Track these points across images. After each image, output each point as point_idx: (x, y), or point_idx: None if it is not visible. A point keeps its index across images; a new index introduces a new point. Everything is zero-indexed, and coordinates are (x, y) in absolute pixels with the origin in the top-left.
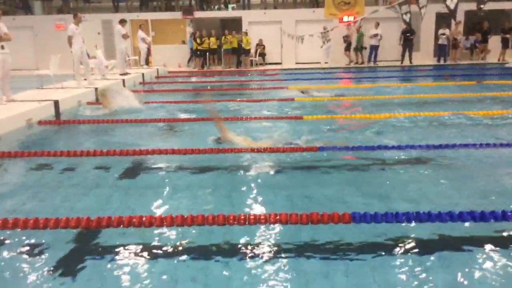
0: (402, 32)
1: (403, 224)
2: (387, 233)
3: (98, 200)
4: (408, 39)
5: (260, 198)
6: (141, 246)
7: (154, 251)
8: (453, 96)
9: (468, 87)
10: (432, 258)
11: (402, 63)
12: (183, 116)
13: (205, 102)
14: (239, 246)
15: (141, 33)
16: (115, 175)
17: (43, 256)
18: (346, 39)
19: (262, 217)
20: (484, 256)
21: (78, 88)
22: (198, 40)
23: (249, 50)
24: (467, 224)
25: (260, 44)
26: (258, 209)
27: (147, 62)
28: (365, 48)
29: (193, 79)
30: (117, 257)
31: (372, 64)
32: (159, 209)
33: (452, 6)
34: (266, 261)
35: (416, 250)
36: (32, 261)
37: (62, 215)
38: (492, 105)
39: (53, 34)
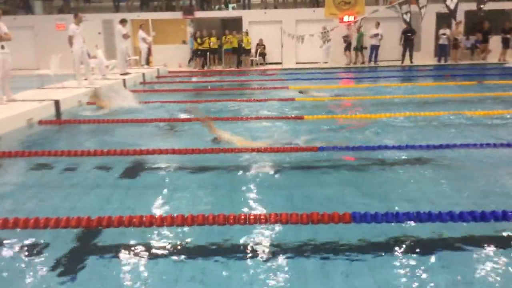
0: (403, 32)
1: (404, 224)
2: (388, 233)
3: (99, 199)
4: (409, 39)
5: (260, 198)
6: (141, 246)
7: (155, 251)
8: (453, 96)
9: (469, 87)
10: (432, 258)
11: (402, 63)
12: (183, 116)
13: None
14: (239, 246)
15: (141, 33)
16: (115, 175)
17: (43, 256)
18: (346, 39)
19: (262, 217)
20: (485, 256)
21: (79, 88)
22: (198, 40)
23: (249, 50)
24: (467, 224)
25: (260, 44)
26: (258, 209)
27: (148, 62)
28: (365, 48)
29: (194, 79)
30: (117, 257)
31: (372, 64)
32: (159, 209)
33: (452, 6)
34: (266, 261)
35: (417, 250)
36: (33, 261)
37: (62, 215)
38: (493, 105)
39: (53, 34)
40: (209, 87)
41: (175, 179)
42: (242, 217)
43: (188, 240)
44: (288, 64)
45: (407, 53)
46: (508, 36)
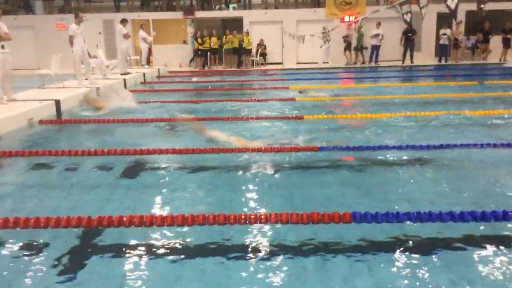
0: (403, 32)
1: (404, 224)
2: (388, 233)
3: (99, 199)
4: (409, 39)
5: (260, 198)
6: (142, 246)
7: (155, 250)
8: (454, 96)
9: (469, 87)
10: (432, 258)
11: (403, 63)
12: (184, 115)
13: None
14: (240, 245)
15: (142, 33)
16: (116, 174)
17: (44, 256)
18: (346, 39)
19: (262, 216)
20: (485, 256)
21: (79, 87)
22: (199, 40)
23: (250, 50)
24: (468, 224)
25: (261, 44)
26: (258, 209)
27: (148, 62)
28: (366, 48)
29: (194, 79)
30: (118, 256)
31: (373, 64)
32: (160, 209)
33: (452, 6)
34: (266, 261)
35: (417, 250)
36: (33, 261)
37: (63, 215)
38: (493, 105)
39: (54, 33)
40: (209, 87)
41: (176, 179)
42: (243, 217)
43: (189, 240)
44: (288, 64)
45: (408, 53)
46: (509, 36)
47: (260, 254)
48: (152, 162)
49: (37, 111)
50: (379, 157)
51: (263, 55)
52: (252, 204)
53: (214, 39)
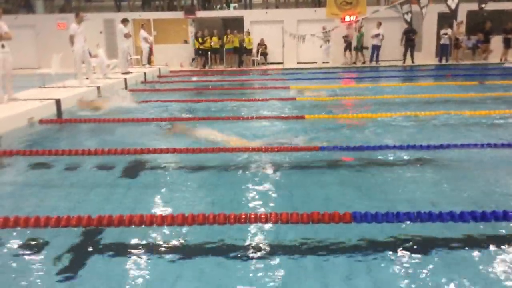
0: (404, 32)
1: (404, 224)
2: (388, 233)
3: (99, 199)
4: (410, 39)
5: (260, 198)
6: (142, 245)
7: (155, 250)
8: (454, 96)
9: (470, 87)
10: (432, 258)
11: (404, 63)
12: (184, 115)
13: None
14: (240, 245)
15: (143, 33)
16: (116, 174)
17: (44, 255)
18: (346, 39)
19: (262, 216)
20: (485, 256)
21: (80, 87)
22: (200, 40)
23: (251, 50)
24: (468, 224)
25: (262, 44)
26: (258, 209)
27: (149, 61)
28: (366, 48)
29: (195, 78)
30: (118, 256)
31: (374, 64)
32: (160, 208)
33: (453, 6)
34: (266, 261)
35: (417, 250)
36: (33, 260)
37: (63, 214)
38: (494, 105)
39: (55, 33)
40: (210, 87)
41: (176, 178)
42: (243, 216)
43: (189, 239)
44: (289, 64)
45: (408, 53)
46: (510, 36)
47: (260, 254)
48: (152, 162)
49: (37, 110)
50: (379, 157)
51: (264, 54)
52: (252, 203)
53: (215, 38)
